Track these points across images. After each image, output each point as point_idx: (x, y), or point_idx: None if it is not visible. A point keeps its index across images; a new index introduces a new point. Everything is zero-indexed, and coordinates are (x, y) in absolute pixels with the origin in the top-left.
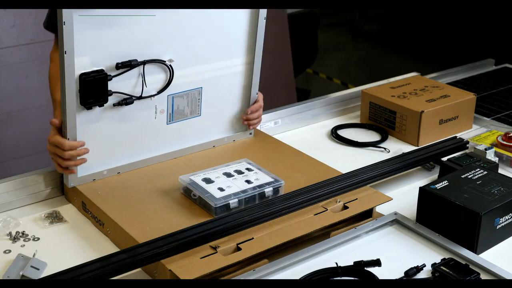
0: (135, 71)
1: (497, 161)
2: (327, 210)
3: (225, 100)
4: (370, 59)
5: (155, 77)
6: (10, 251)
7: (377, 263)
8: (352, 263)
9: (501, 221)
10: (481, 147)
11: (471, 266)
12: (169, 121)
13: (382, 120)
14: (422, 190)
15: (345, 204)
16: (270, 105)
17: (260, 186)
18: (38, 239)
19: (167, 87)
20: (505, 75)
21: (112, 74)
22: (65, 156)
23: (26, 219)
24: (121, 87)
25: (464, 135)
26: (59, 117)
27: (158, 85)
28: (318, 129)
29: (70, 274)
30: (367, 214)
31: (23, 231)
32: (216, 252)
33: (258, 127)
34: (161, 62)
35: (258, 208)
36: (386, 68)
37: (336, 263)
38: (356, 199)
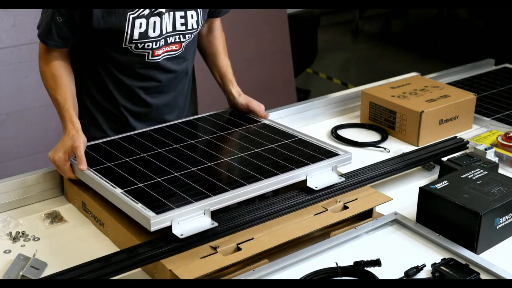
0: None
1: (497, 161)
2: (327, 210)
3: None
4: (370, 59)
5: None
6: (10, 251)
7: (377, 263)
8: (352, 263)
9: (501, 221)
10: (481, 147)
11: (471, 266)
12: None
13: (382, 120)
14: (422, 190)
15: (345, 204)
16: (270, 105)
17: None
18: (38, 239)
19: None
20: (505, 75)
21: None
22: (66, 177)
23: (26, 219)
24: None
25: (464, 135)
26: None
27: None
28: (318, 129)
29: (70, 274)
30: (367, 214)
31: (23, 231)
32: (216, 252)
33: None
34: None
35: (258, 208)
36: (386, 68)
37: (336, 263)
38: (356, 199)
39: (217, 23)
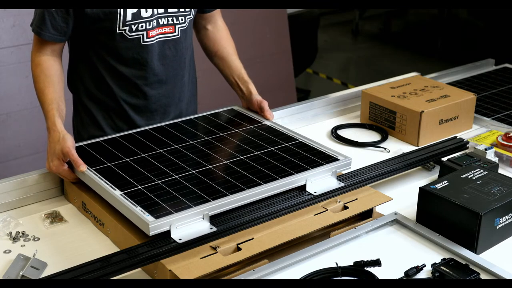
0: None
1: (497, 161)
2: (327, 210)
3: None
4: (370, 59)
5: None
6: (10, 251)
7: (377, 263)
8: (352, 263)
9: (501, 221)
10: (481, 147)
11: (471, 266)
12: None
13: (382, 120)
14: (422, 190)
15: (345, 204)
16: (270, 105)
17: None
18: (38, 239)
19: None
20: (505, 75)
21: None
22: (70, 181)
23: (26, 219)
24: None
25: (464, 135)
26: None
27: None
28: (318, 129)
29: (70, 274)
30: (367, 214)
31: (23, 231)
32: (216, 252)
33: None
34: None
35: (258, 208)
36: (386, 68)
37: (336, 263)
38: (356, 199)
39: (220, 24)
